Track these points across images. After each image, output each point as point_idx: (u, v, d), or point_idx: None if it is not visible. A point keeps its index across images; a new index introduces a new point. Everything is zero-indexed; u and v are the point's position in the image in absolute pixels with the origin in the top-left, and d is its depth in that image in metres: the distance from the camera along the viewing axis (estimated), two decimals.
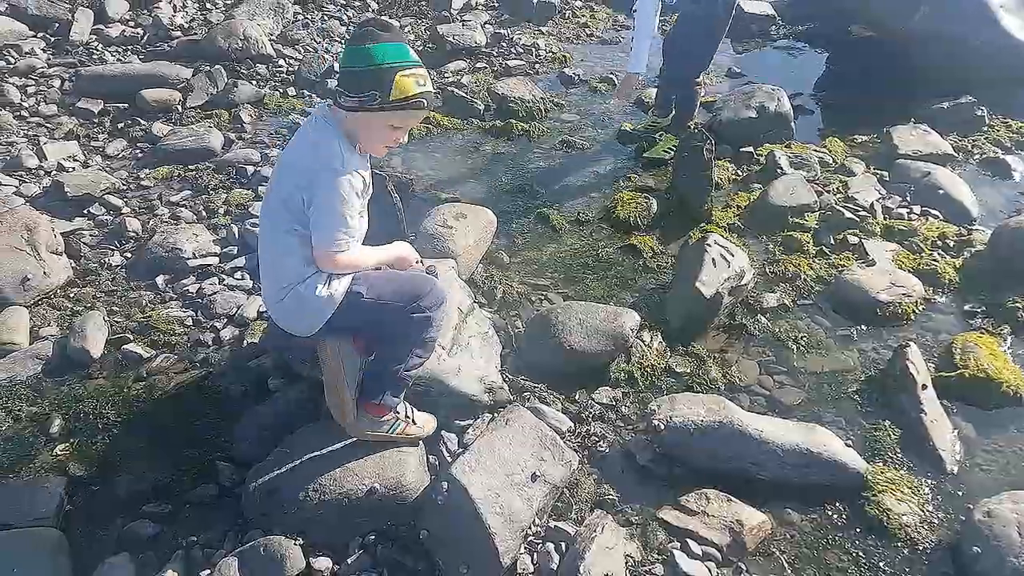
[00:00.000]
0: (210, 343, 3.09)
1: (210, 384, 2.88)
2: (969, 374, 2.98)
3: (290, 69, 5.60)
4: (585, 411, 2.90)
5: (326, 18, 6.49)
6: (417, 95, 2.07)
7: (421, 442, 2.55)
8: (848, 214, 3.95)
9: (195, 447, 2.64)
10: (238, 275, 3.48)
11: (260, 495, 2.33)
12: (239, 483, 2.46)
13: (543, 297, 3.55)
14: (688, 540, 2.38)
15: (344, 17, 6.60)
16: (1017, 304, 3.38)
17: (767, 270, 3.71)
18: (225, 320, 3.21)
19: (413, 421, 2.47)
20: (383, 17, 1.86)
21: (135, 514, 2.39)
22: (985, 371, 2.97)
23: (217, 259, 3.57)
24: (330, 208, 2.06)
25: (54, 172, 4.18)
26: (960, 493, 2.60)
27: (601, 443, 2.76)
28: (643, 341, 3.22)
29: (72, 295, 3.34)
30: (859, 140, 4.92)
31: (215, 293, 3.34)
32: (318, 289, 2.16)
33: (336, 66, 5.61)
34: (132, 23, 5.96)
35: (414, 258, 2.45)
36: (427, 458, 2.54)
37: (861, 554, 2.39)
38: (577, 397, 2.97)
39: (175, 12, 6.19)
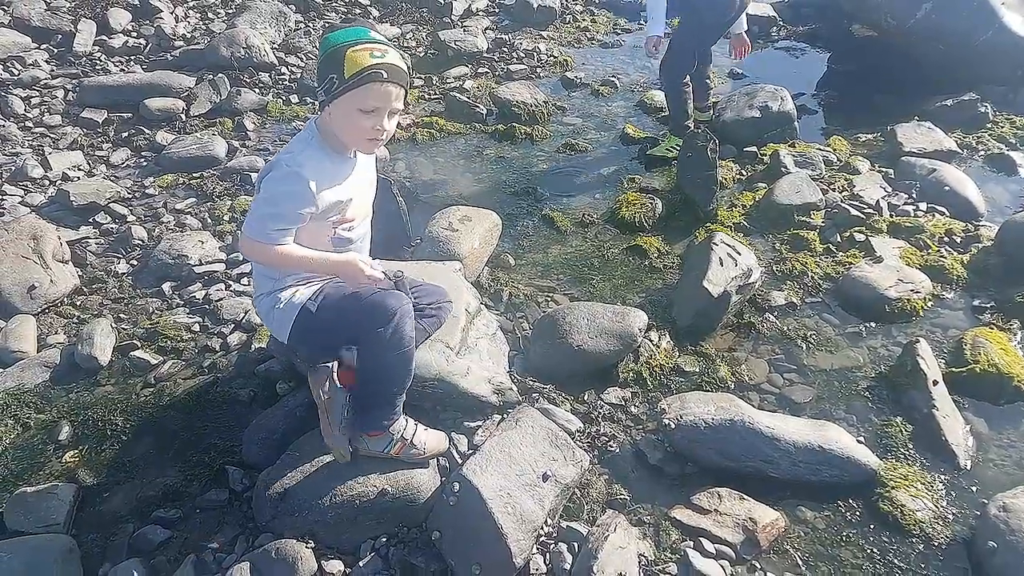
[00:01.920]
0: (217, 348, 3.09)
1: (218, 389, 2.88)
2: (980, 369, 2.96)
3: (292, 77, 5.62)
4: (594, 411, 2.89)
5: (327, 26, 6.51)
6: (372, 66, 1.93)
7: None
8: (854, 212, 3.94)
9: (204, 452, 2.63)
10: (244, 281, 3.48)
11: (271, 499, 2.31)
12: (249, 487, 2.45)
13: (549, 298, 3.55)
14: (701, 539, 2.36)
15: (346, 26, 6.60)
16: None
17: (774, 268, 3.71)
18: (232, 325, 3.21)
19: (412, 443, 2.36)
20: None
21: (145, 520, 2.39)
22: (996, 366, 2.95)
23: (223, 265, 3.58)
24: (260, 198, 2.06)
25: (59, 182, 4.20)
26: (974, 488, 2.58)
27: (611, 443, 2.75)
28: (651, 341, 3.21)
29: (79, 303, 3.35)
30: (863, 139, 4.92)
31: (222, 299, 3.34)
32: (278, 300, 2.20)
33: None
34: (135, 33, 5.99)
35: (366, 272, 2.16)
36: (437, 460, 2.52)
37: (876, 551, 2.38)
38: (586, 397, 2.96)
39: (177, 22, 6.22)
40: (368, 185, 2.33)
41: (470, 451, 2.53)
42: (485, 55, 6.22)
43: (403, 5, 6.99)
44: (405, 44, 6.33)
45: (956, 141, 4.73)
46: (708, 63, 5.00)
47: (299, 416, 2.62)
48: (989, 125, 5.01)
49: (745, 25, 4.77)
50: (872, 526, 2.45)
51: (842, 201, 4.06)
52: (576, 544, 2.31)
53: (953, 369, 3.02)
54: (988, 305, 3.42)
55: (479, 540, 2.19)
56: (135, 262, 3.62)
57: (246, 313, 3.25)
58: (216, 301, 3.33)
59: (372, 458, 2.36)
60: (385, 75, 1.95)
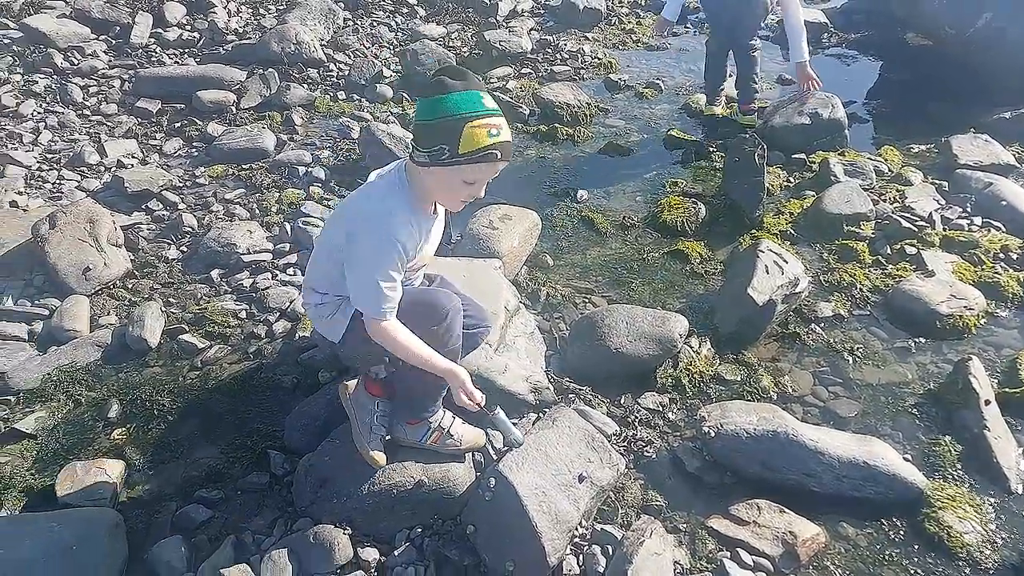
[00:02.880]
0: (263, 335, 3.15)
1: (262, 375, 2.93)
2: None
3: (340, 73, 5.68)
4: (631, 415, 2.87)
5: (375, 24, 6.57)
6: (489, 146, 1.87)
7: None
8: (905, 224, 3.84)
9: (247, 436, 2.68)
10: (290, 271, 3.53)
11: (311, 484, 2.35)
12: (290, 472, 2.50)
13: (587, 300, 3.53)
14: (739, 550, 2.33)
15: (393, 23, 6.67)
16: None
17: (821, 279, 3.63)
18: (278, 314, 3.26)
19: (450, 433, 2.40)
20: (456, 66, 1.76)
21: (189, 499, 2.44)
22: None
23: (270, 255, 3.64)
24: (362, 269, 1.99)
25: (114, 168, 4.32)
26: None
27: (648, 448, 2.72)
28: (691, 347, 3.18)
29: (130, 286, 3.43)
30: (915, 149, 4.80)
31: (268, 288, 3.39)
32: (338, 308, 2.19)
33: (384, 71, 5.69)
34: (189, 27, 6.12)
35: (468, 390, 2.17)
36: (473, 455, 2.53)
37: (920, 571, 2.31)
38: (622, 401, 2.94)
39: (230, 17, 6.34)
40: (440, 230, 2.28)
41: (506, 448, 2.54)
42: (529, 56, 6.22)
43: (449, 5, 7.02)
44: (450, 44, 6.37)
45: (1014, 155, 4.59)
46: (746, 65, 5.01)
47: (341, 404, 2.64)
48: None
49: (805, 56, 4.71)
50: (916, 546, 2.39)
51: (893, 212, 3.97)
52: (610, 547, 2.30)
53: (1006, 389, 2.92)
54: None
55: (513, 537, 2.19)
56: (185, 248, 3.71)
57: (291, 302, 3.30)
58: (263, 290, 3.39)
59: (410, 449, 2.38)
60: (499, 155, 1.92)
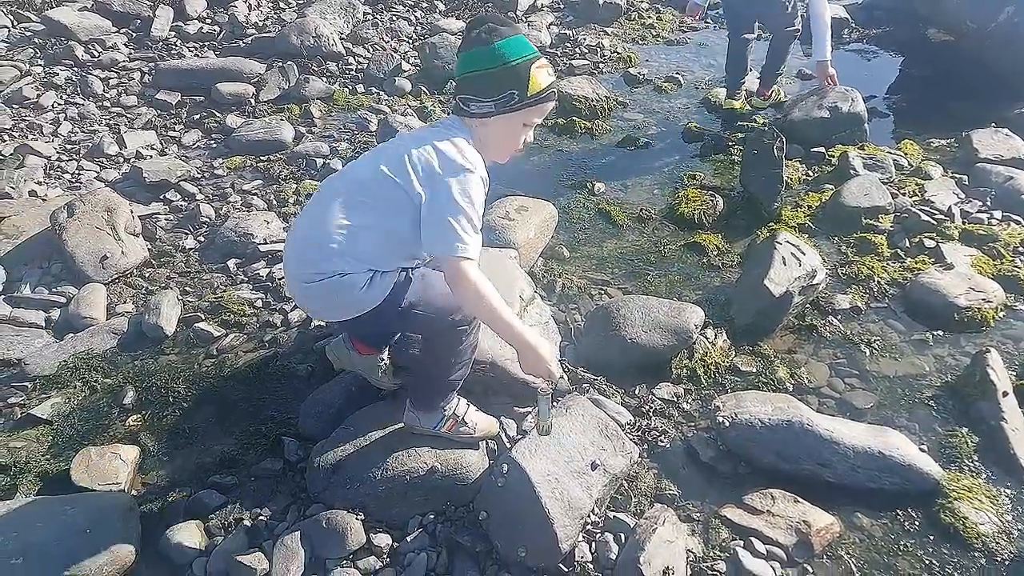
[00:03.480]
0: (278, 324, 3.17)
1: (277, 363, 2.95)
2: None
3: (359, 67, 5.71)
4: (645, 405, 2.86)
5: (395, 18, 6.60)
6: (550, 85, 1.99)
7: None
8: (925, 217, 3.80)
9: (262, 423, 2.70)
10: None
11: (324, 471, 2.36)
12: (303, 459, 2.51)
13: (603, 291, 3.52)
14: (752, 539, 2.31)
15: (412, 17, 6.70)
16: None
17: (839, 271, 3.60)
18: (293, 303, 3.28)
19: (464, 421, 2.41)
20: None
21: (202, 485, 2.46)
22: None
23: None
24: (452, 207, 1.86)
25: (133, 159, 4.37)
26: None
27: (662, 438, 2.71)
28: (707, 338, 3.16)
29: (147, 275, 3.47)
30: (935, 144, 4.73)
31: (284, 278, 3.41)
32: (364, 284, 1.98)
33: (403, 65, 5.69)
34: (209, 20, 6.18)
35: (552, 366, 2.03)
36: (487, 442, 2.54)
37: (935, 562, 2.29)
38: (637, 391, 2.93)
39: (250, 10, 6.39)
40: None
41: (519, 436, 2.54)
42: (548, 50, 6.21)
43: (469, 0, 7.04)
44: None
45: None
46: (782, 51, 5.03)
47: (354, 392, 2.67)
48: None
49: (827, 54, 4.71)
50: (931, 537, 2.36)
51: (912, 206, 3.92)
52: (623, 535, 2.29)
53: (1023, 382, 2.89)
54: None
55: (526, 523, 2.19)
56: (202, 238, 3.74)
57: None
58: (279, 279, 3.41)
59: (423, 435, 2.39)
60: (556, 93, 2.03)
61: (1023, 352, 3.09)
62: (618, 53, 6.24)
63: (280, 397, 2.80)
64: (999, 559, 2.30)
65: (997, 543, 2.33)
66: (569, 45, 6.34)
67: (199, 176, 4.28)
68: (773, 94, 5.25)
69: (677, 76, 5.81)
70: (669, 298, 3.36)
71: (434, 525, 2.30)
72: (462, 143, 1.97)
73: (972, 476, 2.54)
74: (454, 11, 6.90)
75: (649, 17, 7.08)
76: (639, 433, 2.73)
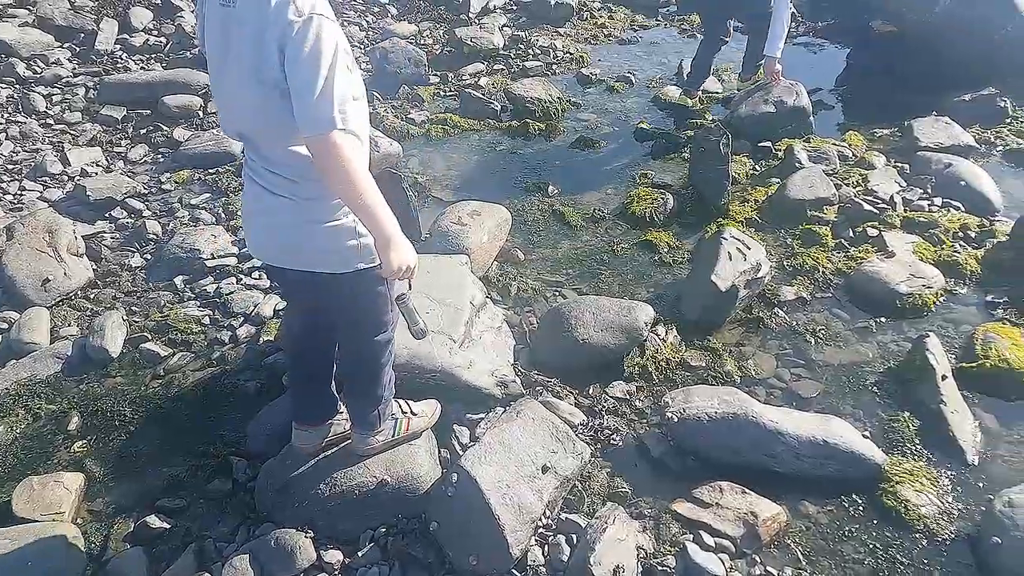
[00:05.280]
0: (227, 341, 3.14)
1: (226, 381, 2.92)
2: (990, 365, 2.91)
3: None
4: (598, 405, 2.89)
5: (346, 24, 6.56)
6: None
7: (432, 435, 2.55)
8: (867, 207, 3.88)
9: (210, 443, 2.67)
10: (255, 275, 3.52)
11: (273, 489, 2.35)
12: (252, 478, 2.49)
13: (558, 293, 3.55)
14: (701, 532, 2.35)
15: (363, 23, 6.66)
16: None
17: (785, 263, 3.67)
18: (242, 319, 3.25)
19: (412, 413, 2.44)
20: None
21: (150, 509, 2.43)
22: (1007, 361, 2.90)
23: (235, 259, 3.63)
24: (308, 71, 1.62)
25: (77, 177, 4.28)
26: (981, 484, 2.54)
27: (614, 436, 2.74)
28: (658, 335, 3.20)
29: (92, 296, 3.41)
30: (879, 134, 4.85)
31: (232, 292, 3.39)
32: (357, 235, 1.89)
33: (403, 71, 5.65)
34: (156, 32, 6.07)
35: (411, 264, 1.85)
36: (439, 451, 2.54)
37: (878, 545, 2.35)
38: (591, 391, 2.95)
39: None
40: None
41: (471, 443, 2.54)
42: (501, 52, 6.23)
43: (421, 3, 7.03)
44: (422, 41, 6.36)
45: (974, 136, 4.65)
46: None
47: None
48: (1008, 120, 4.91)
49: (778, 52, 4.77)
50: (875, 521, 2.42)
51: (856, 196, 4.01)
52: (575, 536, 2.31)
53: (964, 365, 2.97)
54: (1001, 300, 3.35)
55: (477, 531, 2.20)
56: (149, 256, 3.69)
57: (255, 306, 3.29)
58: (227, 295, 3.38)
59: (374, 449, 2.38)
60: None
61: (963, 335, 3.17)
62: (571, 54, 6.27)
63: (229, 416, 2.77)
64: (940, 539, 2.36)
65: (938, 524, 2.40)
66: (522, 47, 6.35)
67: (146, 192, 4.21)
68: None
69: (629, 75, 5.86)
70: (622, 297, 3.41)
71: (385, 538, 2.30)
72: None
73: (914, 459, 2.61)
74: (407, 15, 6.88)
75: (601, 17, 7.13)
76: (592, 433, 2.75)
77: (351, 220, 1.90)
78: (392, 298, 2.04)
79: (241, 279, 3.51)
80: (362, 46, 6.19)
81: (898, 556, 2.31)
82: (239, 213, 4.00)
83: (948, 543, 2.35)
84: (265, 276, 3.49)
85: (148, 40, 5.90)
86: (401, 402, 2.44)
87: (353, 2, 6.90)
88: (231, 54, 1.76)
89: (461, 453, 2.47)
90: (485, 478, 2.25)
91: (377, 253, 1.81)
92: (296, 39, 1.62)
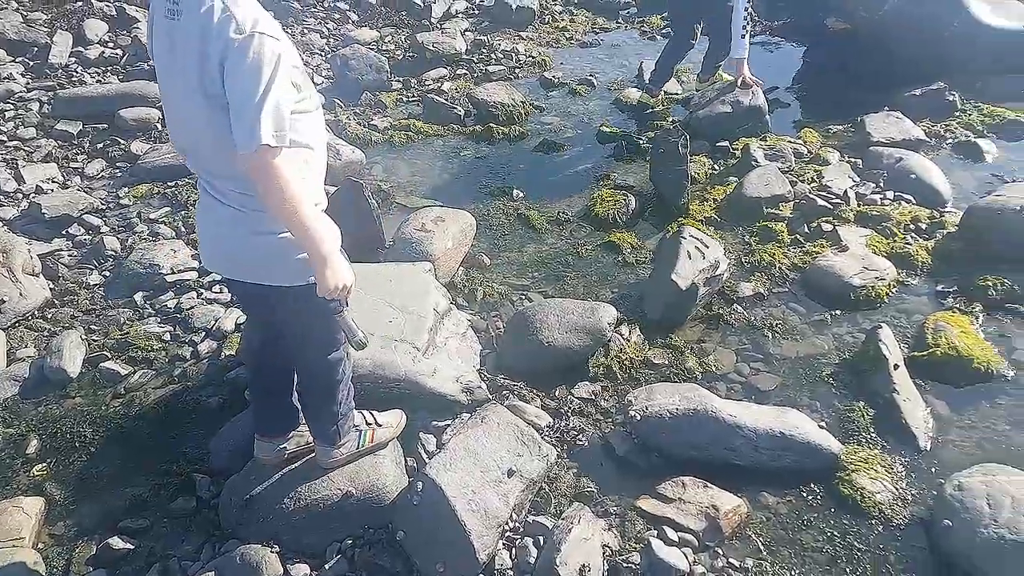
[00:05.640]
0: (188, 357, 3.12)
1: (188, 398, 2.91)
2: (941, 353, 3.00)
3: None
4: (564, 406, 2.92)
5: (306, 31, 6.53)
6: None
7: (398, 444, 2.56)
8: (822, 202, 3.97)
9: (173, 461, 2.65)
10: (216, 288, 3.50)
11: (237, 505, 2.34)
12: (217, 495, 2.48)
13: (524, 296, 3.58)
14: (665, 527, 2.39)
15: (324, 30, 6.63)
16: (988, 282, 3.39)
17: (743, 260, 3.74)
18: (203, 334, 3.23)
19: (377, 424, 2.45)
20: None
21: (112, 530, 2.40)
22: (956, 349, 2.99)
23: (195, 273, 3.60)
24: (248, 86, 1.63)
25: (32, 195, 4.21)
26: (933, 469, 2.62)
27: (580, 437, 2.78)
28: (621, 335, 3.24)
29: (50, 316, 3.36)
30: (833, 130, 4.94)
31: (193, 307, 3.36)
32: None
33: (315, 78, 5.66)
34: (111, 44, 5.98)
35: (349, 283, 1.88)
36: (404, 460, 2.55)
37: (836, 533, 2.41)
38: (557, 393, 2.99)
39: None
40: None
41: (437, 450, 2.56)
42: (464, 57, 6.24)
43: (382, 9, 7.02)
44: (383, 47, 6.36)
45: (924, 130, 4.75)
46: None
47: None
48: (957, 113, 5.02)
49: (742, 52, 4.83)
50: (832, 509, 2.49)
51: (810, 192, 4.09)
52: (542, 538, 2.34)
53: (915, 353, 3.05)
54: (951, 290, 3.45)
55: (443, 538, 2.22)
56: (107, 273, 3.64)
57: (217, 320, 3.28)
58: (188, 310, 3.36)
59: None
60: None
61: (914, 325, 3.26)
62: (533, 57, 6.31)
63: (191, 433, 2.76)
64: (895, 525, 2.43)
65: (893, 510, 2.47)
66: (485, 51, 6.37)
67: (103, 208, 4.16)
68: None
69: (591, 78, 5.91)
70: (587, 298, 3.45)
71: (352, 550, 2.30)
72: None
73: (869, 448, 2.69)
74: (367, 21, 6.87)
75: (563, 20, 7.17)
76: (558, 434, 2.79)
77: None
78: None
79: (202, 293, 3.48)
80: (323, 53, 6.17)
81: (855, 543, 2.38)
82: None
83: (903, 528, 2.42)
84: (227, 290, 3.47)
85: (104, 52, 5.82)
86: (365, 413, 2.44)
87: (314, 9, 6.86)
88: (177, 67, 1.77)
89: (427, 461, 2.48)
90: (450, 485, 2.27)
91: (313, 272, 1.82)
92: (235, 56, 1.64)
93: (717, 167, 4.59)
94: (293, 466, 2.40)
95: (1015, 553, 2.18)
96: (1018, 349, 3.13)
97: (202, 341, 3.17)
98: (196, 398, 2.89)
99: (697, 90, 5.41)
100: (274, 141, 1.63)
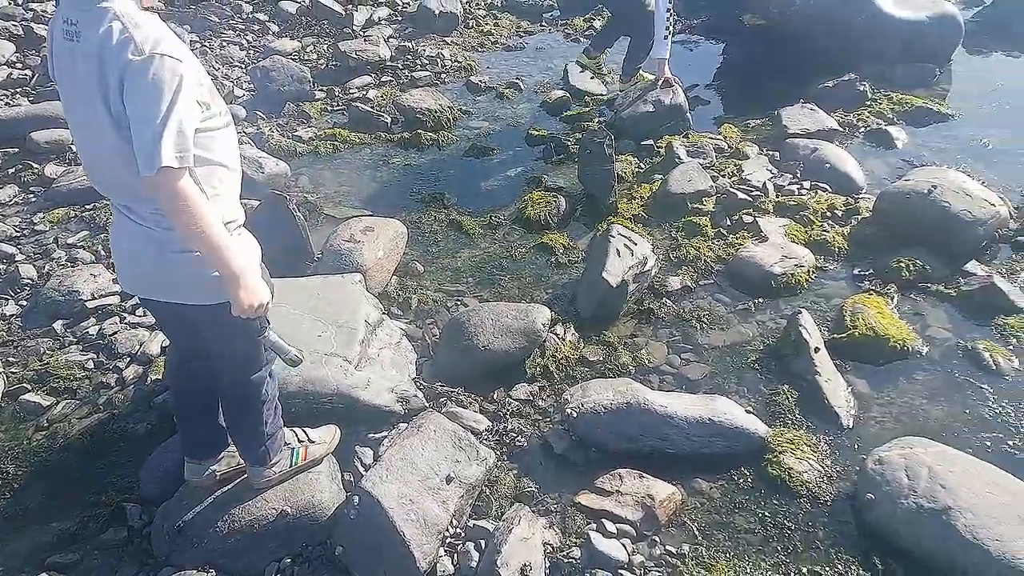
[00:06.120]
0: (113, 384, 3.03)
1: (115, 426, 2.83)
2: (859, 334, 3.14)
3: None
4: (503, 409, 2.94)
5: (225, 44, 6.39)
6: None
7: (334, 460, 2.54)
8: (742, 195, 4.10)
9: (102, 492, 2.58)
10: (140, 312, 3.40)
11: (170, 532, 2.28)
12: (149, 523, 2.42)
13: (459, 302, 3.58)
14: (604, 520, 2.44)
15: (243, 42, 6.51)
16: (902, 264, 3.57)
17: (670, 255, 3.84)
18: (128, 359, 3.14)
19: (310, 441, 2.43)
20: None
21: (40, 567, 2.32)
22: (874, 329, 3.13)
23: (117, 298, 3.49)
24: (150, 108, 1.61)
25: None
26: (856, 446, 2.74)
27: (519, 438, 2.80)
28: (556, 335, 3.29)
29: None
30: (752, 124, 5.11)
31: (116, 333, 3.26)
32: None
33: (236, 91, 5.55)
34: (20, 65, 5.75)
35: (265, 301, 1.87)
36: (341, 475, 2.53)
37: (767, 514, 2.50)
38: (495, 396, 3.01)
39: None
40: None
41: (374, 463, 2.55)
42: (388, 64, 6.21)
43: (302, 19, 6.93)
44: (305, 57, 6.28)
45: (838, 120, 4.97)
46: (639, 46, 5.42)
47: None
48: (868, 103, 5.26)
49: (664, 53, 4.95)
50: (763, 491, 2.58)
51: (731, 186, 4.23)
52: (483, 542, 2.36)
53: (835, 336, 3.19)
54: (867, 273, 3.61)
55: (383, 550, 2.21)
56: (24, 302, 3.50)
57: (141, 345, 3.19)
58: (110, 335, 3.26)
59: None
60: None
61: (833, 308, 3.41)
62: (459, 62, 6.32)
63: (120, 462, 2.68)
64: (822, 501, 2.54)
65: (819, 487, 2.57)
66: (410, 57, 6.35)
67: (18, 235, 3.99)
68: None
69: (517, 81, 5.96)
70: (521, 300, 3.48)
71: (292, 568, 2.28)
72: (117, 16, 1.67)
73: (794, 429, 2.79)
74: (288, 31, 6.77)
75: (487, 24, 7.21)
76: (497, 437, 2.81)
77: None
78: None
79: (125, 318, 3.38)
80: (243, 65, 6.06)
81: (785, 522, 2.47)
82: None
83: (829, 504, 2.53)
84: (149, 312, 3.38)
85: (12, 74, 5.59)
86: (297, 430, 2.42)
87: (232, 21, 6.73)
88: (79, 89, 1.73)
89: (364, 474, 2.47)
90: (387, 496, 2.26)
91: (227, 292, 1.81)
92: (133, 78, 1.62)
93: (643, 165, 4.69)
94: (227, 489, 2.36)
95: (933, 520, 2.29)
96: (931, 326, 3.31)
97: (127, 367, 3.08)
98: (123, 426, 2.81)
99: (620, 91, 5.52)
100: (176, 163, 1.62)
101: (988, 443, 2.73)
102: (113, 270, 3.63)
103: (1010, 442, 2.74)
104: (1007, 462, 2.57)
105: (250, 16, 6.87)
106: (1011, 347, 3.15)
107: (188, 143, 1.66)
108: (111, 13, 1.67)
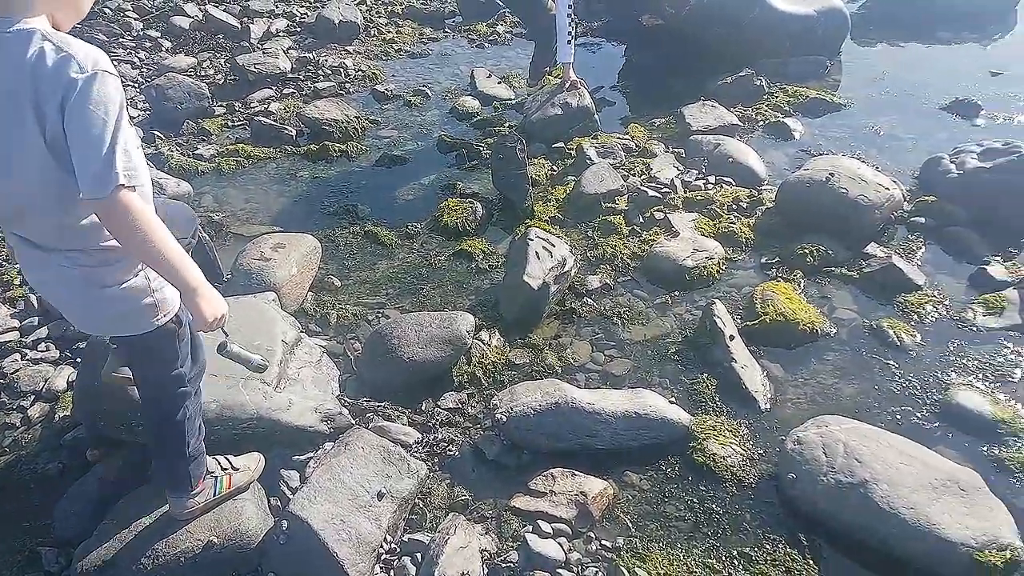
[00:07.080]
0: (18, 424, 2.84)
1: (23, 468, 2.66)
2: (770, 320, 3.28)
3: None
4: (432, 419, 2.92)
5: (116, 63, 6.07)
6: None
7: (259, 486, 2.46)
8: (652, 193, 4.23)
9: (13, 538, 2.42)
10: (42, 347, 3.20)
11: (89, 573, 2.16)
12: (67, 566, 2.28)
13: (380, 314, 3.54)
14: (539, 521, 2.46)
15: (136, 59, 6.22)
16: (806, 250, 3.76)
17: (588, 254, 3.91)
18: (32, 397, 2.95)
19: (234, 468, 2.36)
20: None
21: None
22: (783, 315, 3.29)
23: (17, 333, 3.27)
24: (91, 130, 1.53)
25: None
26: (775, 428, 2.86)
27: (451, 447, 2.80)
28: (482, 341, 3.29)
29: None
30: (657, 123, 5.26)
31: (17, 371, 3.05)
32: (151, 291, 1.86)
33: (131, 111, 5.30)
34: None
35: (221, 312, 1.82)
36: (267, 501, 2.46)
37: (695, 500, 2.58)
38: (423, 407, 2.99)
39: None
40: None
41: (302, 485, 2.48)
42: (289, 75, 6.06)
43: (197, 34, 6.68)
44: (202, 73, 6.06)
45: (737, 115, 5.19)
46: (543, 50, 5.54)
47: (113, 482, 2.47)
48: (765, 96, 5.51)
49: (568, 57, 5.06)
50: (690, 478, 2.66)
51: (641, 184, 4.35)
52: (420, 555, 2.34)
53: (748, 323, 3.33)
54: (774, 261, 3.79)
55: (315, 572, 2.16)
56: None
57: (46, 381, 3.00)
58: (11, 373, 3.04)
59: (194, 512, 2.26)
60: None
61: (744, 297, 3.56)
62: (363, 71, 6.24)
63: (31, 505, 2.52)
64: (746, 484, 2.64)
65: (743, 471, 2.68)
66: (311, 68, 6.22)
67: None
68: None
69: (424, 88, 5.93)
70: (444, 308, 3.46)
71: None
72: (45, 36, 1.58)
73: (715, 416, 2.90)
74: (182, 47, 6.52)
75: (389, 32, 7.15)
76: (428, 448, 2.79)
77: (142, 279, 1.85)
78: (197, 347, 2.06)
79: (26, 354, 3.16)
80: (136, 85, 5.79)
81: (713, 507, 2.56)
82: (16, 282, 3.61)
83: (754, 486, 2.63)
84: (54, 347, 3.18)
85: None
86: (220, 458, 2.34)
87: (121, 39, 6.43)
88: (3, 118, 1.60)
89: (291, 498, 2.40)
90: (317, 517, 2.21)
91: (186, 307, 1.77)
92: (78, 97, 1.53)
93: (555, 168, 4.76)
94: (147, 523, 2.25)
95: (851, 493, 2.41)
96: (838, 308, 3.50)
97: (31, 405, 2.90)
98: (32, 467, 2.64)
99: (528, 94, 5.60)
100: (127, 181, 1.55)
101: (898, 416, 2.90)
102: (10, 304, 3.42)
103: (918, 414, 2.92)
104: (916, 433, 2.75)
105: (141, 33, 6.58)
106: (912, 323, 3.37)
107: (133, 162, 1.59)
108: (38, 34, 1.57)
